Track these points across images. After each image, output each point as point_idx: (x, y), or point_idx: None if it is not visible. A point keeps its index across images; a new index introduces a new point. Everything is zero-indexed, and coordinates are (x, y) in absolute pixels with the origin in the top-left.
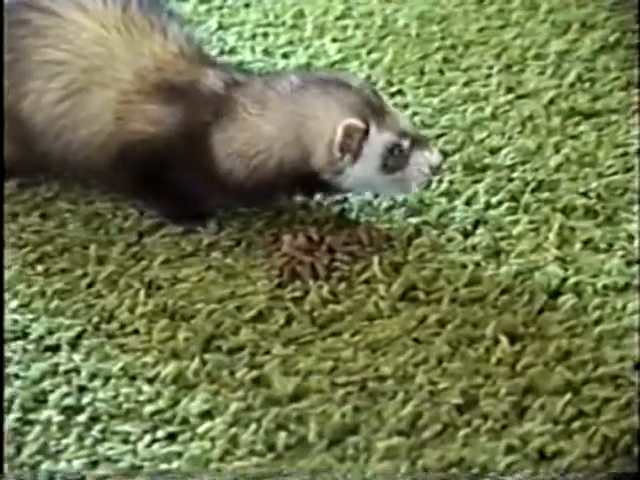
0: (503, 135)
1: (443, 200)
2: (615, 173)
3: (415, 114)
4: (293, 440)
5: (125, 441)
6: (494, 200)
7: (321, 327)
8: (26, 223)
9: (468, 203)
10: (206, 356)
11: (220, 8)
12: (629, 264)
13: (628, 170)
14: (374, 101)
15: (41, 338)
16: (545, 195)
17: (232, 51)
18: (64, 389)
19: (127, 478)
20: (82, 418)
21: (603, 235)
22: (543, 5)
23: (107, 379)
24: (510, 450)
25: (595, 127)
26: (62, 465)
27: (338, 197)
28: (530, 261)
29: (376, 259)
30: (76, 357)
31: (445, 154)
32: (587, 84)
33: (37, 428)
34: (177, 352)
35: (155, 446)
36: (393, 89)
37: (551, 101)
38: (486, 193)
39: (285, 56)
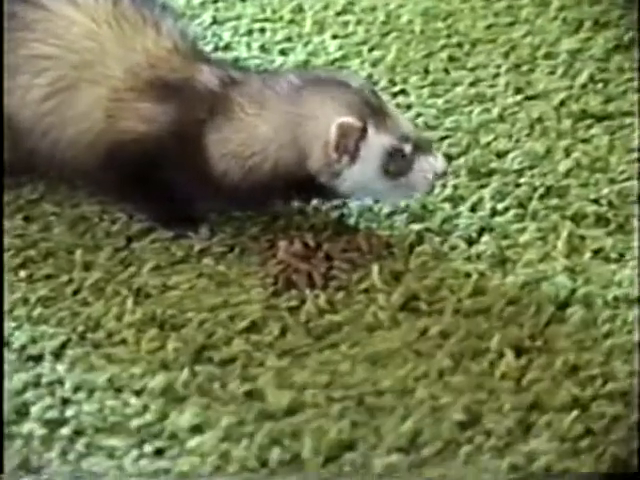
0: (510, 138)
1: (447, 206)
2: (628, 179)
3: (419, 115)
4: (287, 456)
5: (111, 456)
6: (500, 206)
7: (317, 338)
8: (9, 226)
9: (473, 209)
10: (197, 368)
11: (215, 2)
12: None
13: None
14: (373, 101)
15: (23, 347)
16: (554, 202)
17: (227, 47)
18: (47, 401)
19: None
20: (66, 431)
21: (614, 244)
22: (554, 2)
23: (92, 391)
24: (514, 469)
25: (607, 130)
26: None
27: (337, 202)
28: (537, 271)
29: (376, 267)
30: (60, 367)
31: (449, 157)
32: (600, 85)
33: (18, 442)
34: (166, 363)
35: (142, 462)
36: (396, 89)
37: (562, 103)
38: (492, 199)
39: (283, 53)
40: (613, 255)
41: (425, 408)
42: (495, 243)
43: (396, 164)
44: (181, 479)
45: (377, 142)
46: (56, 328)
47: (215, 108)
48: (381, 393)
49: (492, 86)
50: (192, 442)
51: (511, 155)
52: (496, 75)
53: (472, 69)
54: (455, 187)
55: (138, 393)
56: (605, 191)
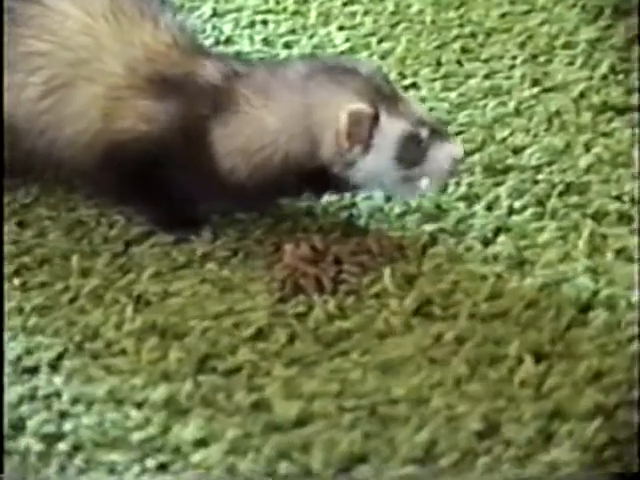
0: (528, 133)
1: (461, 205)
2: None
3: (431, 110)
4: (296, 469)
5: (111, 472)
6: (517, 205)
7: (327, 346)
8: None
9: (489, 208)
10: (200, 378)
11: None
12: None
13: None
14: (385, 87)
15: (19, 359)
16: (574, 199)
17: (228, 41)
18: (44, 415)
19: None
20: (64, 447)
21: (638, 243)
22: None
23: (91, 404)
24: None
25: (629, 123)
26: None
27: (345, 202)
28: (557, 272)
29: (387, 271)
30: (57, 380)
31: (464, 154)
32: (621, 76)
33: (14, 458)
34: (168, 374)
35: (144, 477)
36: (406, 82)
37: (581, 95)
38: (509, 197)
39: (287, 46)
40: (637, 255)
41: (441, 418)
42: (512, 243)
43: (411, 151)
44: None
45: (391, 128)
46: (52, 338)
47: (219, 103)
48: (394, 402)
49: (508, 78)
50: (196, 456)
51: (528, 151)
52: (512, 66)
53: (486, 60)
54: (470, 185)
55: (139, 405)
56: (628, 187)
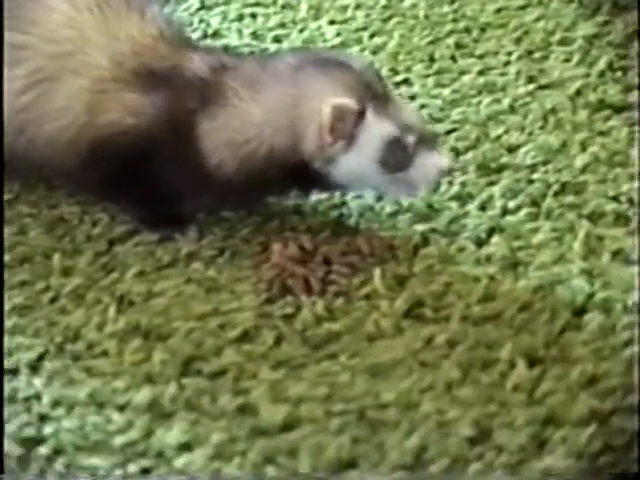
0: (523, 131)
1: (454, 205)
2: None
3: (423, 106)
4: (283, 475)
5: (93, 476)
6: (512, 205)
7: (315, 348)
8: None
9: (482, 208)
10: (184, 381)
11: None
12: None
13: None
14: (376, 85)
15: None
16: (569, 199)
17: (216, 34)
18: (23, 418)
19: None
20: (44, 451)
21: (635, 245)
22: None
23: (72, 407)
24: None
25: (627, 122)
26: None
27: (335, 201)
28: (552, 274)
29: (377, 271)
30: (37, 382)
31: (457, 152)
32: (618, 73)
33: None
34: (152, 376)
35: None
36: (399, 78)
37: (578, 92)
38: (503, 197)
39: (277, 40)
40: (634, 257)
41: (431, 423)
42: (506, 244)
43: (396, 156)
44: None
45: (376, 129)
46: (33, 339)
47: (207, 96)
48: (384, 407)
49: (502, 75)
50: (180, 461)
51: (523, 149)
52: (507, 63)
53: (481, 56)
54: (463, 184)
55: (121, 408)
56: (625, 187)
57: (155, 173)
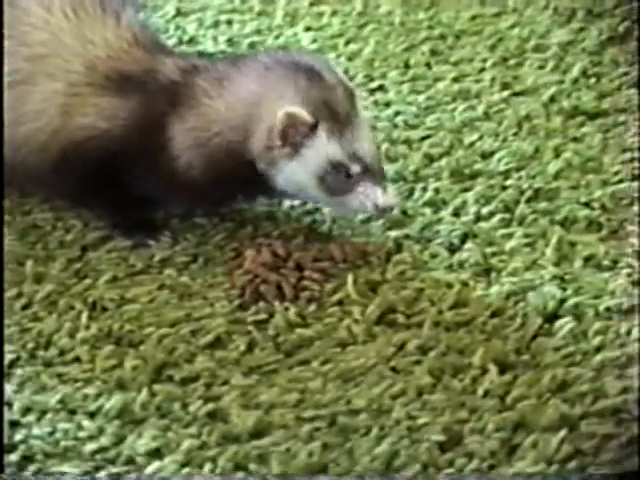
0: (496, 137)
1: (427, 211)
2: (622, 181)
3: (398, 113)
4: None
5: None
6: (485, 211)
7: (287, 354)
8: None
9: (455, 214)
10: (156, 387)
11: None
12: (635, 284)
13: (636, 178)
14: (342, 105)
15: None
16: (542, 205)
17: (192, 41)
18: (3, 428)
19: None
20: (14, 457)
21: (607, 251)
22: None
23: (43, 413)
24: None
25: (600, 128)
26: None
27: (309, 207)
28: (524, 280)
29: (350, 278)
30: (8, 388)
31: (431, 159)
32: (592, 80)
33: None
34: (123, 383)
35: None
36: (374, 85)
37: (551, 99)
38: (476, 203)
39: (252, 46)
40: (606, 263)
41: (402, 428)
42: (479, 250)
43: (335, 180)
44: None
45: (323, 148)
46: (5, 345)
47: (178, 98)
48: (355, 413)
49: (477, 81)
50: (151, 467)
51: (497, 156)
52: (481, 70)
53: (456, 63)
54: (436, 190)
55: (92, 415)
56: (597, 194)
57: (128, 177)
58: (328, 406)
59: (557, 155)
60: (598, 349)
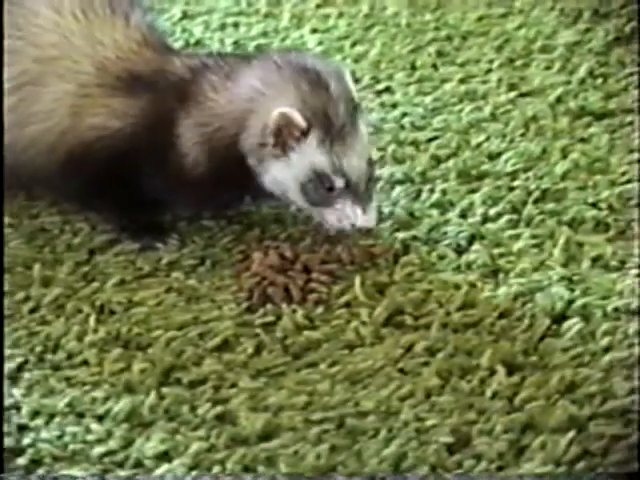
0: (503, 138)
1: (435, 212)
2: (629, 181)
3: (405, 115)
4: None
5: None
6: (492, 212)
7: (295, 357)
8: None
9: (463, 215)
10: (164, 390)
11: None
12: None
13: None
14: (340, 117)
15: None
16: (550, 206)
17: (198, 43)
18: (3, 428)
19: None
20: (22, 461)
21: (615, 251)
22: None
23: (51, 417)
24: None
25: (607, 129)
26: None
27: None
28: (532, 281)
29: (358, 279)
30: (16, 392)
31: (438, 160)
32: (599, 80)
33: None
34: (131, 386)
35: None
36: (380, 86)
37: (558, 100)
38: (483, 204)
39: (259, 49)
40: (613, 263)
41: (410, 430)
42: (486, 252)
43: (316, 190)
44: None
45: (310, 155)
46: (12, 349)
47: (187, 95)
48: (363, 415)
49: (484, 82)
50: (159, 470)
51: (504, 157)
52: (488, 71)
53: (462, 64)
54: (444, 192)
55: (101, 418)
56: (605, 194)
57: (137, 178)
58: (336, 408)
59: (564, 156)
60: (606, 350)
